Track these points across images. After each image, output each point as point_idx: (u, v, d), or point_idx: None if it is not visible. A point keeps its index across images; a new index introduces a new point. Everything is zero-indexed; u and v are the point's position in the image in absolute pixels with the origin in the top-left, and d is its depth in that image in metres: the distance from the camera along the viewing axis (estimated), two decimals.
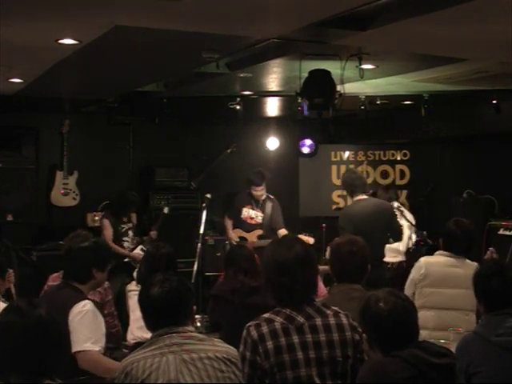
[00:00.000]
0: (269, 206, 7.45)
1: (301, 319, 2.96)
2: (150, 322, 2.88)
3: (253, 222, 7.46)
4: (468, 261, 4.82)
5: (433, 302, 4.75)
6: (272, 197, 7.55)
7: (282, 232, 7.15)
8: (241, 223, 7.50)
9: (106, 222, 7.41)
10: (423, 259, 4.96)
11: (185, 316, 2.86)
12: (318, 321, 2.98)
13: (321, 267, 5.03)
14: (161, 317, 2.82)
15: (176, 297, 2.84)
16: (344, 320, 3.03)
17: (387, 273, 6.46)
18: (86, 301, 3.79)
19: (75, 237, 4.17)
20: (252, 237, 7.39)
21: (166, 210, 7.76)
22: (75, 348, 3.62)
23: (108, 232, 7.34)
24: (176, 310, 2.84)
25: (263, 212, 7.44)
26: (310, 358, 2.91)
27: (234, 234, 7.50)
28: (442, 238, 4.99)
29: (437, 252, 4.97)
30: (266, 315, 2.99)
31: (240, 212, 7.48)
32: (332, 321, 3.00)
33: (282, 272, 2.99)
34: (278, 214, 7.47)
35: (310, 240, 6.69)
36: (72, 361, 3.60)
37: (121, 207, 7.54)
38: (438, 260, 4.89)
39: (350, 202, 6.48)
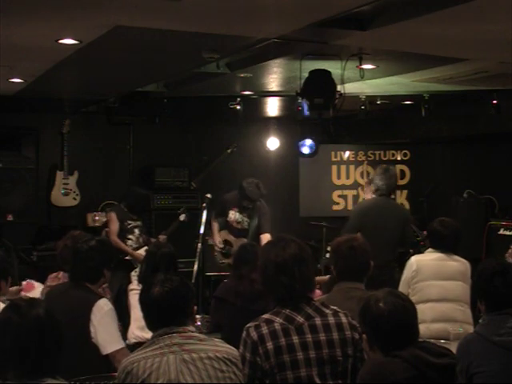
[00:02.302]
0: (257, 210, 7.00)
1: (300, 319, 2.96)
2: (151, 321, 2.88)
3: (239, 226, 7.05)
4: (457, 256, 4.93)
5: (427, 295, 4.80)
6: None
7: (265, 237, 6.71)
8: (228, 226, 7.12)
9: (113, 216, 7.11)
10: (413, 258, 5.06)
11: (185, 316, 2.86)
12: (318, 320, 2.98)
13: (318, 278, 5.08)
14: (161, 316, 2.82)
15: (177, 297, 2.84)
16: (343, 319, 3.03)
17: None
18: (104, 299, 3.81)
19: (77, 237, 4.17)
20: (238, 243, 6.57)
21: (182, 218, 7.31)
22: (112, 348, 3.64)
23: (114, 226, 7.07)
24: (177, 309, 2.84)
25: (250, 217, 7.02)
26: (310, 357, 2.91)
27: (219, 237, 7.12)
28: (428, 239, 5.12)
29: (427, 250, 5.08)
30: (266, 316, 3.00)
31: (227, 214, 7.09)
32: (331, 320, 3.01)
33: (280, 271, 3.00)
34: (265, 218, 7.01)
35: None
36: (100, 360, 3.64)
37: (136, 203, 7.32)
38: (428, 256, 4.99)
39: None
